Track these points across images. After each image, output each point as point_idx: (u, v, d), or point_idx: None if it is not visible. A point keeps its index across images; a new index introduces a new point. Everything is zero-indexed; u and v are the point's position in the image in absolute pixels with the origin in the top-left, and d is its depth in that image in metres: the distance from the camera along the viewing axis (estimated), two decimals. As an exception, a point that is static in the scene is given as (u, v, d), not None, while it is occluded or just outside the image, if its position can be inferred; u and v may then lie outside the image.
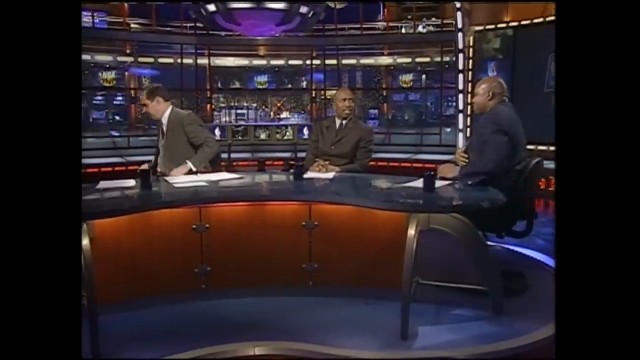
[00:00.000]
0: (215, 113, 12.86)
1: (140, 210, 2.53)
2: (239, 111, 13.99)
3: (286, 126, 8.61)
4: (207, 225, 2.84)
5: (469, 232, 2.73)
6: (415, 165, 7.73)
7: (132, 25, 11.60)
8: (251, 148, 9.29)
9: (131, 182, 2.88)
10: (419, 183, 2.79)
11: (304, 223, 2.92)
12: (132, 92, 12.63)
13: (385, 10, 11.55)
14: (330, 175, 3.24)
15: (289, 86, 13.24)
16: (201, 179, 3.04)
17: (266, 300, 2.87)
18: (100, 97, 12.08)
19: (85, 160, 7.67)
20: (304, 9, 7.46)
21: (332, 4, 8.92)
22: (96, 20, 10.74)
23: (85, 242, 2.29)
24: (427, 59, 10.91)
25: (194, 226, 2.82)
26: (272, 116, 13.78)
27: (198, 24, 10.27)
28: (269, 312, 2.77)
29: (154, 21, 11.14)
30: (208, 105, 12.39)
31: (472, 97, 3.09)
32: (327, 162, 3.41)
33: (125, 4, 11.82)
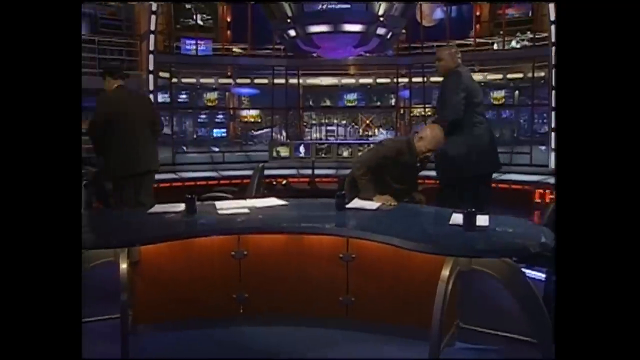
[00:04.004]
0: (306, 130, 13.24)
1: (177, 238, 2.68)
2: (329, 128, 14.26)
3: (368, 144, 8.58)
4: (246, 252, 2.92)
5: (514, 275, 2.49)
6: (500, 185, 7.11)
7: (234, 50, 12.41)
8: (336, 165, 9.37)
9: (181, 207, 3.03)
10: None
11: (341, 255, 2.88)
12: (232, 110, 13.50)
13: (478, 26, 11.08)
14: (375, 206, 3.14)
15: (378, 104, 13.21)
16: (245, 205, 3.13)
17: (301, 331, 2.88)
18: (204, 116, 13.11)
19: (184, 174, 8.35)
20: (381, 31, 7.43)
21: (419, 20, 8.75)
22: (201, 47, 11.66)
23: (124, 265, 2.49)
24: (520, 75, 10.22)
25: (233, 253, 2.92)
26: (361, 133, 13.83)
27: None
28: (303, 344, 2.78)
29: (250, 45, 11.81)
30: (299, 123, 12.80)
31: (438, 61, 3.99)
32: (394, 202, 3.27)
33: (228, 32, 12.70)
